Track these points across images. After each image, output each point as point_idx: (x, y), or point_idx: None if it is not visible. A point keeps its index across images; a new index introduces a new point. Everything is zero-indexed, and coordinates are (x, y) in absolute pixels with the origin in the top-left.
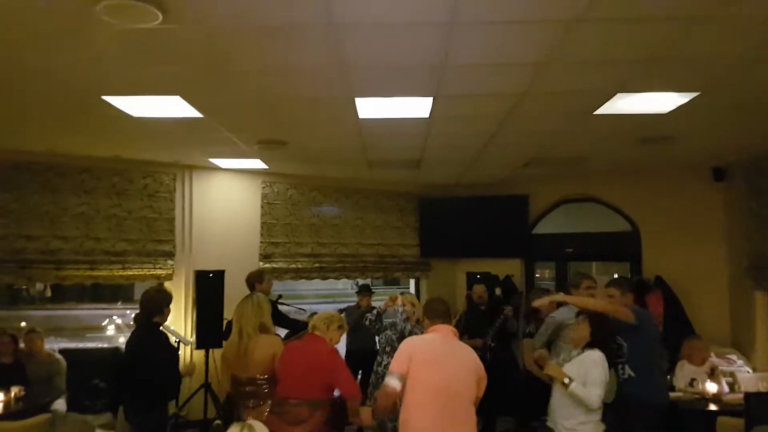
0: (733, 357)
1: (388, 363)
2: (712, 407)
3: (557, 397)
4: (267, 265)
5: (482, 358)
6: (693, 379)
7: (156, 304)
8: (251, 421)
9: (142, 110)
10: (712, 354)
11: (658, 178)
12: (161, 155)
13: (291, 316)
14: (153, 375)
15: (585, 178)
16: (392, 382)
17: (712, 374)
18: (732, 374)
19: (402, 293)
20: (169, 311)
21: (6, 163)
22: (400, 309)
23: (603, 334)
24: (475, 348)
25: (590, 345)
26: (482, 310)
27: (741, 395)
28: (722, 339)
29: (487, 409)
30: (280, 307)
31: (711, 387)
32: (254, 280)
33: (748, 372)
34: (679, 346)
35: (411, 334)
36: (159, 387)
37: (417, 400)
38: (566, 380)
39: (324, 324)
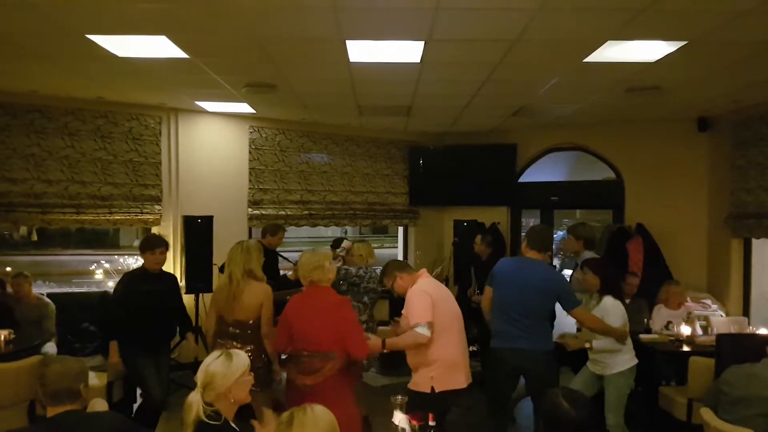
0: (708, 302)
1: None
2: (686, 348)
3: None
4: (256, 212)
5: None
6: (669, 322)
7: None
8: (234, 350)
9: (127, 50)
10: (688, 299)
11: (644, 127)
12: (146, 97)
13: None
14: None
15: (573, 127)
16: (425, 331)
17: (688, 318)
18: (706, 318)
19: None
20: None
21: None
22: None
23: (608, 275)
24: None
25: (602, 291)
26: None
27: (713, 337)
28: (699, 284)
29: None
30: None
31: (685, 330)
32: (267, 230)
33: (722, 316)
34: (657, 290)
35: (364, 273)
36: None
37: (443, 337)
38: (587, 345)
39: (318, 273)
